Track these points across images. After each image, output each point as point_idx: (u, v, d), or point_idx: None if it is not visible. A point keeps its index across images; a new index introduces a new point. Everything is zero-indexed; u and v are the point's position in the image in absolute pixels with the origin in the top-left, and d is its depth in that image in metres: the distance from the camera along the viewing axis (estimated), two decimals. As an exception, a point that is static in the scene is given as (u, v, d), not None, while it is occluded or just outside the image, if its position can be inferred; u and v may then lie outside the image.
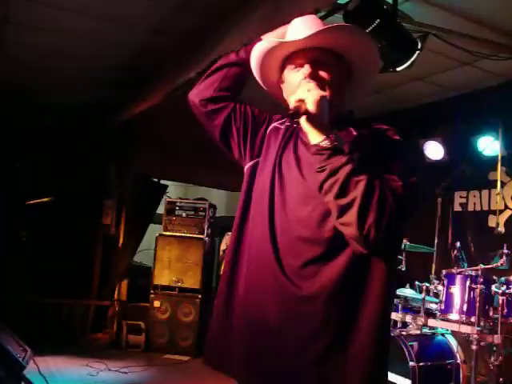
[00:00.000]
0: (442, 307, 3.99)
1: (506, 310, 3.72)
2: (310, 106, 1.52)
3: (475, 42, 3.86)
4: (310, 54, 1.67)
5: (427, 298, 4.23)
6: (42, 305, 6.06)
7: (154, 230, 6.88)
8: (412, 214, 1.58)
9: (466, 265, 4.12)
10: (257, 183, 1.77)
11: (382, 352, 1.59)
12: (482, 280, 3.78)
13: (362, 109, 2.05)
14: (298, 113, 1.54)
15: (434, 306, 4.21)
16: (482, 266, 3.84)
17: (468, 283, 3.86)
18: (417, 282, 4.46)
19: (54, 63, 5.17)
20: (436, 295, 4.26)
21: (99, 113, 6.42)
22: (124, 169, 6.74)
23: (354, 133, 1.68)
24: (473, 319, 3.75)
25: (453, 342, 4.01)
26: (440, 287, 4.12)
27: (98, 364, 5.29)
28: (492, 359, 3.68)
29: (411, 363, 3.71)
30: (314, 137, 1.54)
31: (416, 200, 1.64)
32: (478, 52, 4.00)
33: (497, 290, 3.76)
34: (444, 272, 4.11)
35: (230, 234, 1.85)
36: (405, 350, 3.77)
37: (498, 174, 4.54)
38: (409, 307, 4.51)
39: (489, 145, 4.78)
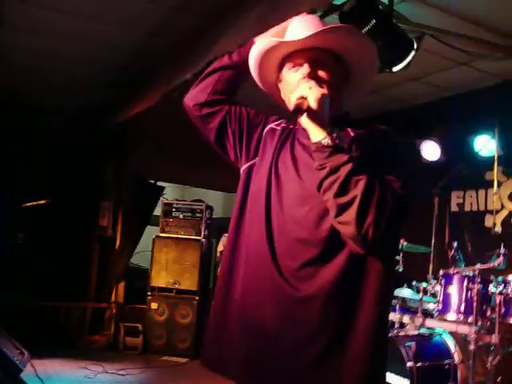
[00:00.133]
0: (440, 307, 3.99)
1: (503, 310, 3.72)
2: (312, 103, 1.53)
3: (471, 42, 3.87)
4: (310, 54, 1.67)
5: (425, 298, 4.23)
6: (38, 307, 6.04)
7: (150, 231, 6.86)
8: (410, 215, 1.58)
9: (463, 265, 4.13)
10: (253, 184, 1.76)
11: (379, 353, 1.59)
12: (479, 280, 3.79)
13: (358, 109, 2.05)
14: (299, 110, 1.54)
15: (431, 307, 4.22)
16: (479, 265, 3.85)
17: (465, 283, 3.86)
18: (414, 283, 4.45)
19: (48, 65, 5.16)
20: (433, 295, 4.26)
21: (96, 115, 6.41)
22: (121, 170, 6.73)
23: (352, 133, 1.68)
24: (470, 319, 3.75)
25: (450, 342, 4.01)
26: (437, 287, 4.12)
27: (96, 366, 5.27)
28: (490, 359, 3.68)
29: (409, 363, 3.71)
30: (315, 134, 1.54)
31: (414, 200, 1.64)
32: (474, 52, 4.01)
33: (494, 290, 3.77)
34: (441, 272, 4.11)
35: (226, 235, 1.84)
36: (402, 350, 3.77)
37: (495, 174, 4.54)
38: (406, 307, 4.51)
39: (485, 145, 4.78)
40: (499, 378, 3.69)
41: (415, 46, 3.37)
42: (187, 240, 6.42)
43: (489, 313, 3.78)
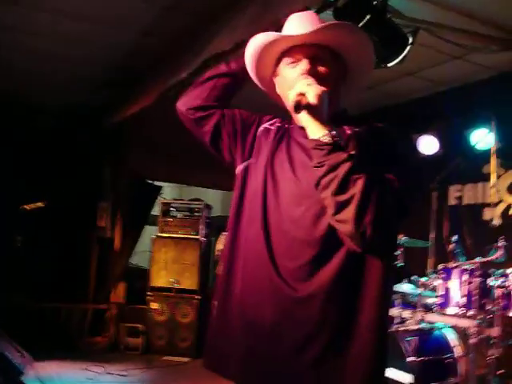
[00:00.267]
0: (440, 302, 3.99)
1: (503, 303, 3.71)
2: (312, 100, 1.52)
3: (466, 36, 3.87)
4: (309, 50, 1.66)
5: (424, 292, 4.23)
6: (39, 309, 6.03)
7: (149, 231, 6.86)
8: (409, 212, 1.58)
9: (462, 259, 4.12)
10: (249, 185, 1.75)
11: (382, 350, 1.59)
12: (478, 273, 3.79)
13: (354, 105, 2.05)
14: (299, 106, 1.53)
15: (431, 301, 4.21)
16: (478, 259, 3.85)
17: (465, 277, 3.86)
18: (414, 277, 4.45)
19: (46, 65, 5.16)
20: (433, 290, 4.26)
21: (93, 115, 6.40)
22: (118, 171, 6.72)
23: (348, 131, 1.68)
24: (471, 313, 3.75)
25: (451, 337, 4.01)
26: (437, 282, 4.12)
27: (97, 367, 5.28)
28: (491, 352, 3.68)
29: (410, 358, 3.71)
30: (314, 131, 1.53)
31: (413, 198, 1.64)
32: (468, 45, 4.01)
33: (494, 283, 3.76)
34: (441, 266, 4.11)
35: (225, 233, 1.84)
36: (403, 345, 3.77)
37: (492, 167, 4.54)
38: (406, 302, 4.50)
39: (482, 138, 4.78)
40: (500, 371, 3.69)
41: (410, 41, 3.36)
42: (186, 239, 6.41)
43: (489, 306, 3.77)
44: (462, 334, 3.97)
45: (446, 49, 4.20)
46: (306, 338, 1.54)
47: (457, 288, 3.90)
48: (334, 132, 1.52)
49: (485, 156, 4.71)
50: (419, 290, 4.21)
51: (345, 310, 1.55)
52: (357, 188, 1.44)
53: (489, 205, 4.84)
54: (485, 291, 3.79)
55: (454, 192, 5.32)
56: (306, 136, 1.59)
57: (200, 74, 2.09)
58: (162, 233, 6.48)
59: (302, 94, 1.53)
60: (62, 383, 4.75)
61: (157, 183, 7.12)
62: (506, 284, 3.73)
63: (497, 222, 4.54)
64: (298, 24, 1.69)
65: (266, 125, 1.85)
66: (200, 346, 5.92)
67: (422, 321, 4.12)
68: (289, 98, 1.58)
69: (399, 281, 4.53)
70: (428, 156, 5.15)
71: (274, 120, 1.86)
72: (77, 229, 6.53)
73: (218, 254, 6.67)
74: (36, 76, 5.44)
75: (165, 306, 6.24)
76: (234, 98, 1.93)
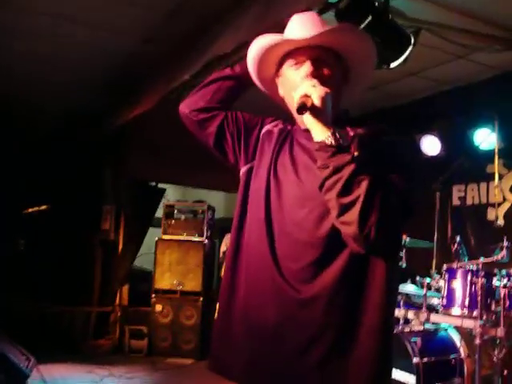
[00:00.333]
0: (444, 302, 3.98)
1: (508, 303, 3.70)
2: (316, 101, 1.52)
3: (469, 36, 3.86)
4: (312, 52, 1.66)
5: (429, 293, 4.21)
6: (43, 313, 6.04)
7: (153, 233, 6.86)
8: (413, 213, 1.58)
9: (466, 259, 4.11)
10: (253, 187, 1.75)
11: (386, 352, 1.58)
12: (483, 273, 3.77)
13: (356, 106, 2.04)
14: (303, 107, 1.53)
15: (435, 302, 4.20)
16: (482, 259, 3.83)
17: (469, 277, 3.84)
18: (418, 278, 4.44)
19: (47, 70, 5.16)
20: (437, 290, 4.24)
21: (95, 118, 6.40)
22: (121, 173, 6.73)
23: (351, 133, 1.67)
24: (475, 313, 3.74)
25: (456, 337, 4.00)
26: (441, 282, 4.11)
27: (102, 370, 5.28)
28: (496, 352, 3.67)
29: (415, 359, 3.70)
30: (319, 133, 1.53)
31: (417, 198, 1.63)
32: (471, 45, 4.00)
33: (498, 284, 3.75)
34: (445, 267, 4.09)
35: (229, 235, 1.84)
36: (408, 346, 3.76)
37: (496, 167, 4.53)
38: (410, 303, 4.50)
39: (485, 138, 4.77)
40: (506, 371, 3.68)
41: (412, 41, 3.36)
42: (190, 241, 6.42)
43: (493, 306, 3.76)
44: (467, 334, 3.96)
45: (448, 49, 4.19)
46: (310, 340, 1.54)
47: (461, 288, 3.89)
48: (338, 134, 1.52)
49: (488, 156, 4.70)
50: (423, 291, 4.20)
51: (348, 311, 1.54)
52: (361, 190, 1.44)
53: (492, 205, 4.82)
54: (489, 291, 3.78)
55: (457, 192, 5.31)
56: (308, 138, 1.59)
57: (203, 76, 2.10)
58: (165, 235, 6.49)
59: (307, 96, 1.53)
60: (66, 386, 4.76)
61: (160, 186, 7.12)
62: (510, 284, 3.72)
63: (501, 221, 4.52)
64: (301, 25, 1.69)
65: (269, 127, 1.84)
66: (204, 348, 5.92)
67: (426, 321, 4.10)
68: (293, 100, 1.58)
69: (403, 281, 4.52)
70: (431, 156, 5.14)
71: (276, 122, 1.86)
72: (80, 231, 6.54)
73: (223, 256, 6.69)
74: (36, 79, 5.44)
75: (169, 308, 6.24)
76: (237, 101, 1.93)
